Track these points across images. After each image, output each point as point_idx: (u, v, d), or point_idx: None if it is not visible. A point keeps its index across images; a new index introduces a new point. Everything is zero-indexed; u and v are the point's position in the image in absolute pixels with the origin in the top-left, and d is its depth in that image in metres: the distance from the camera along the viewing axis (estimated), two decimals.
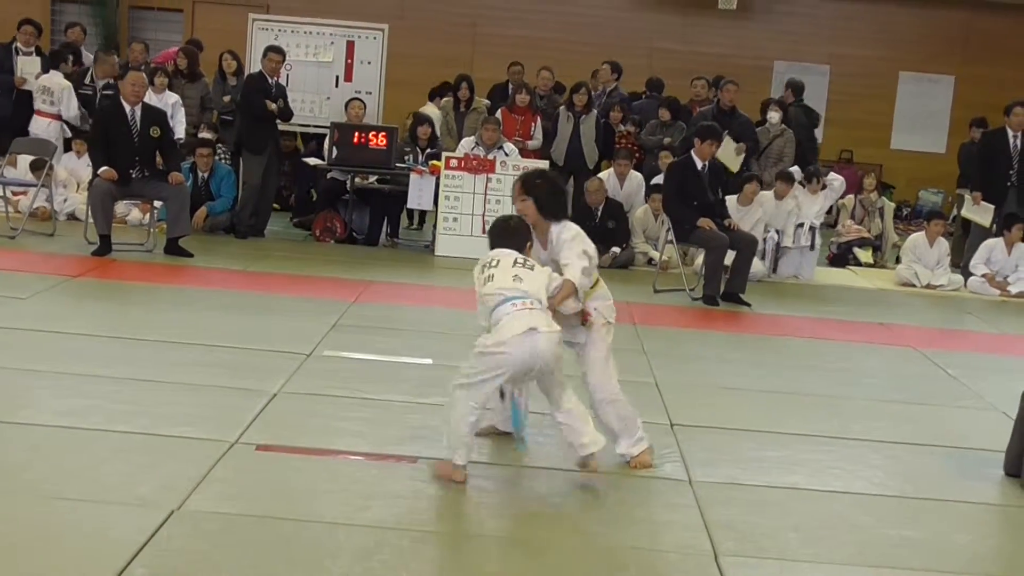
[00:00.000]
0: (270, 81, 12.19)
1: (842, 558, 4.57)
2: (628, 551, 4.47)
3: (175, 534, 4.26)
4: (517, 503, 4.89)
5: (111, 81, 13.26)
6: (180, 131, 12.74)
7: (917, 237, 12.92)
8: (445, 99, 14.32)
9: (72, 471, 4.82)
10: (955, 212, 15.36)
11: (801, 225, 12.40)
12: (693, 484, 5.27)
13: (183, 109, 12.99)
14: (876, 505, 5.22)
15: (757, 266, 11.67)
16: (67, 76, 13.17)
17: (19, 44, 13.40)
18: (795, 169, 13.38)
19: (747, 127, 13.26)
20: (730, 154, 12.45)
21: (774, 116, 13.66)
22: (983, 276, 12.36)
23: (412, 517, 4.61)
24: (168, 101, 12.72)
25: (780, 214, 12.35)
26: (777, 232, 12.35)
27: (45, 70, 13.19)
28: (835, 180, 13.41)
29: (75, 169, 12.92)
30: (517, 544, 4.48)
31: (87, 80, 13.34)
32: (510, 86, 14.51)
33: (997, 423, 6.60)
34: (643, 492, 5.15)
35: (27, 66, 13.24)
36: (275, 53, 12.23)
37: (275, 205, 13.14)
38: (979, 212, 13.07)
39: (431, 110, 14.93)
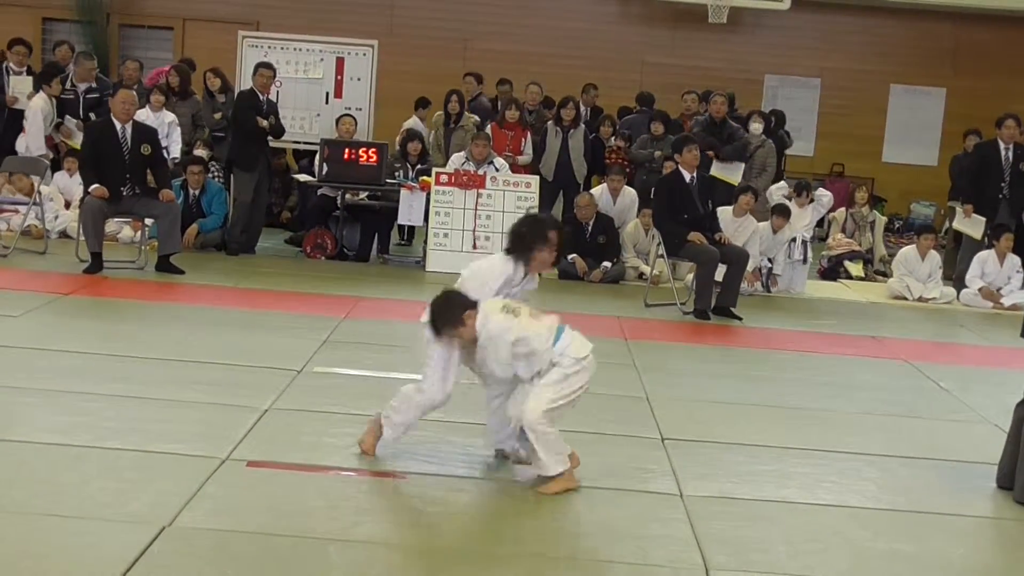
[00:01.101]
0: (261, 98, 12.18)
1: (834, 572, 4.56)
2: (619, 566, 4.46)
3: (166, 550, 4.24)
4: (508, 518, 4.88)
5: (93, 85, 13.26)
6: (176, 151, 12.70)
7: (908, 250, 12.94)
8: (436, 114, 14.34)
9: (62, 488, 4.81)
10: (947, 225, 15.39)
11: (793, 239, 12.41)
12: (684, 498, 5.27)
13: (179, 128, 12.97)
14: (868, 518, 5.22)
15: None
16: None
17: (11, 64, 13.39)
18: (781, 185, 13.41)
19: (738, 136, 13.32)
20: (724, 170, 12.47)
21: (756, 127, 13.68)
22: (979, 289, 12.36)
23: (403, 533, 4.60)
24: (165, 120, 12.72)
25: (776, 245, 12.34)
26: (770, 260, 12.34)
27: (37, 90, 13.19)
28: (823, 196, 13.43)
29: (67, 187, 12.91)
30: (508, 560, 4.47)
31: (68, 85, 13.34)
32: (499, 103, 14.53)
33: (990, 436, 6.60)
34: (634, 506, 5.14)
35: (19, 85, 13.23)
36: (266, 69, 12.23)
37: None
38: (970, 224, 13.09)
39: (414, 122, 14.96)
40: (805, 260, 12.54)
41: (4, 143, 12.87)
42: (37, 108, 12.84)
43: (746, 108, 15.17)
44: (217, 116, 13.46)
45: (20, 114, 13.04)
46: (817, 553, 4.73)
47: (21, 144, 12.78)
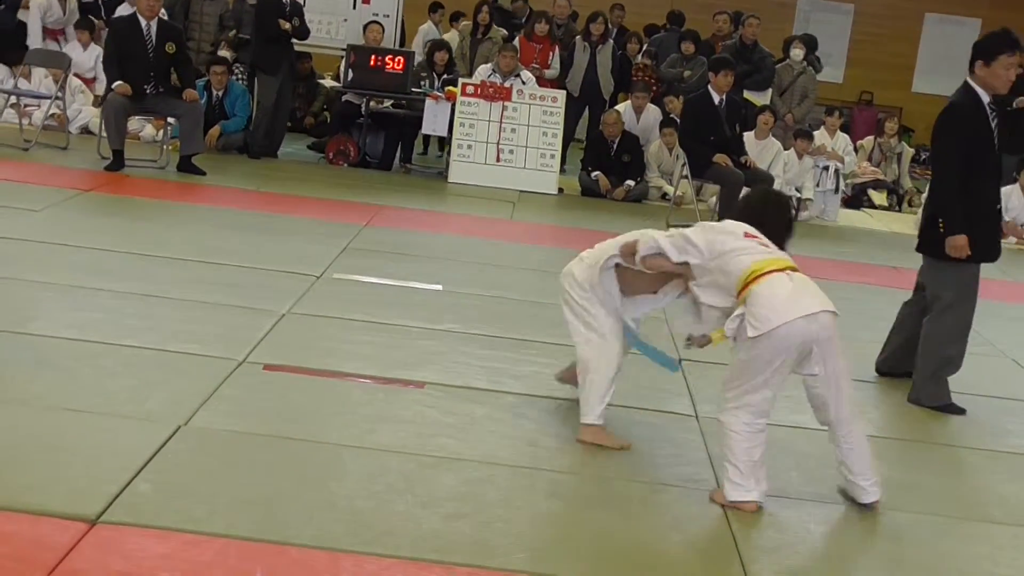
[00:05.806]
0: (284, 0, 12.05)
1: (843, 498, 4.57)
2: (633, 484, 4.48)
3: (181, 449, 4.27)
4: (525, 432, 4.89)
5: None
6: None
7: None
8: (464, 23, 14.17)
9: (80, 384, 4.84)
10: None
11: (825, 168, 12.35)
12: (699, 419, 5.28)
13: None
14: (882, 448, 5.20)
15: None
16: None
17: None
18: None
19: (766, 61, 13.17)
20: (754, 94, 12.34)
21: (797, 53, 13.46)
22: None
23: (418, 442, 4.61)
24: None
25: (802, 172, 12.25)
26: (797, 189, 12.25)
27: None
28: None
29: (79, 61, 12.74)
30: (521, 473, 4.48)
31: None
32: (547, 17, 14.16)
33: (1007, 371, 6.59)
34: (650, 426, 5.15)
35: None
36: None
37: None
38: None
39: (428, 27, 14.83)
40: (837, 189, 12.47)
41: (19, 39, 12.81)
42: (35, 6, 12.75)
43: (779, 32, 14.97)
44: (231, 34, 13.30)
45: None
46: (828, 479, 4.72)
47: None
